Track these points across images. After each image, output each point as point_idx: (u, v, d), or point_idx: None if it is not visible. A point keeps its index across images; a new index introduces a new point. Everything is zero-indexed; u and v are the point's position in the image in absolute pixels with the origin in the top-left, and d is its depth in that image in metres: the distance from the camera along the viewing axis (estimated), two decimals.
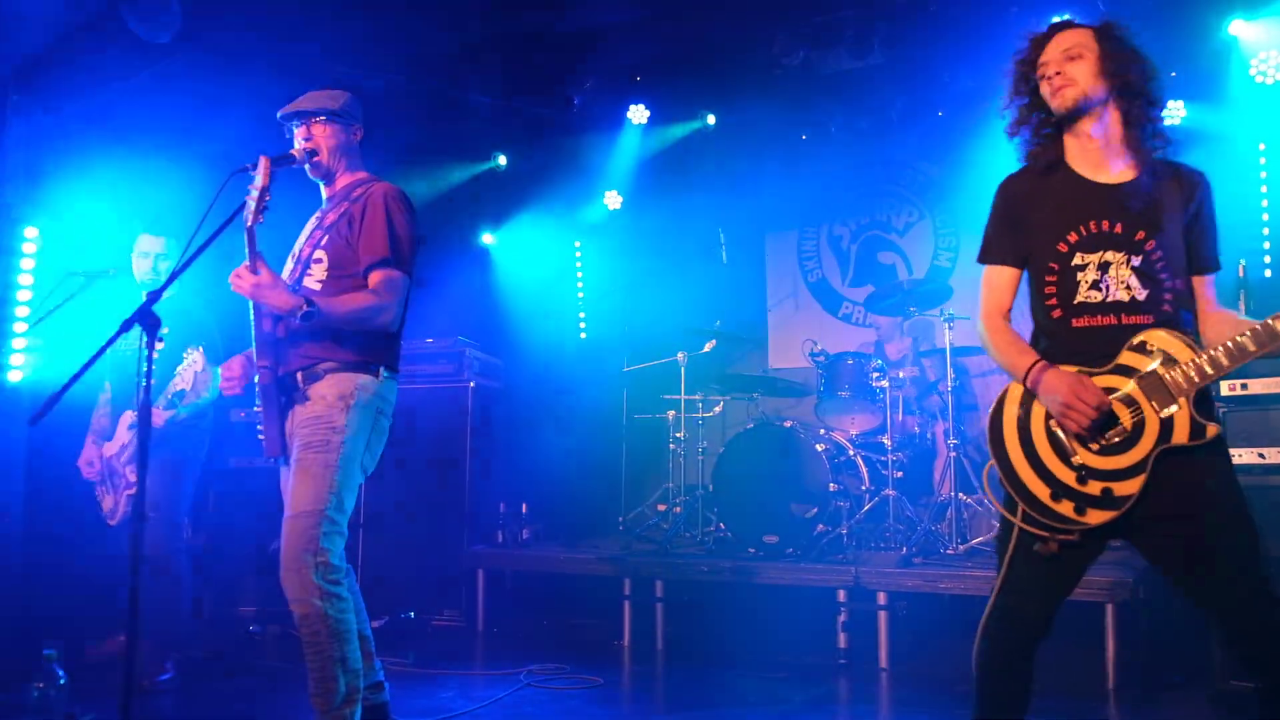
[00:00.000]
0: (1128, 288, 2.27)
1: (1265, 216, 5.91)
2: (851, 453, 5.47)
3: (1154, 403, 2.19)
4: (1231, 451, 4.03)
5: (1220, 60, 5.77)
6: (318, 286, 3.14)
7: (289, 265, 3.26)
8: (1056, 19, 2.44)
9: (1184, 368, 2.17)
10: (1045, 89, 2.36)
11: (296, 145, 3.23)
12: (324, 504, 2.96)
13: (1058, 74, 2.33)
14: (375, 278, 3.08)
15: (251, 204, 2.89)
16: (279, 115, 3.28)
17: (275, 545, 3.01)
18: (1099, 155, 2.36)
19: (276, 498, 3.24)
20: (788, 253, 7.68)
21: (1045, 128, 2.41)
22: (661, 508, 6.27)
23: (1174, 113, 5.89)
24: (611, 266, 7.88)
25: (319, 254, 3.16)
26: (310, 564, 2.93)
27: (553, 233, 7.94)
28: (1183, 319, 2.28)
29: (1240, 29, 5.58)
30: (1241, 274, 4.84)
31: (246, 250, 2.88)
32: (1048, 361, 2.31)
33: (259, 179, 2.90)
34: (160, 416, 4.19)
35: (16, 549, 5.24)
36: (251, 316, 3.08)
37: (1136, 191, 2.32)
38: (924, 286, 5.72)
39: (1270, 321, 2.10)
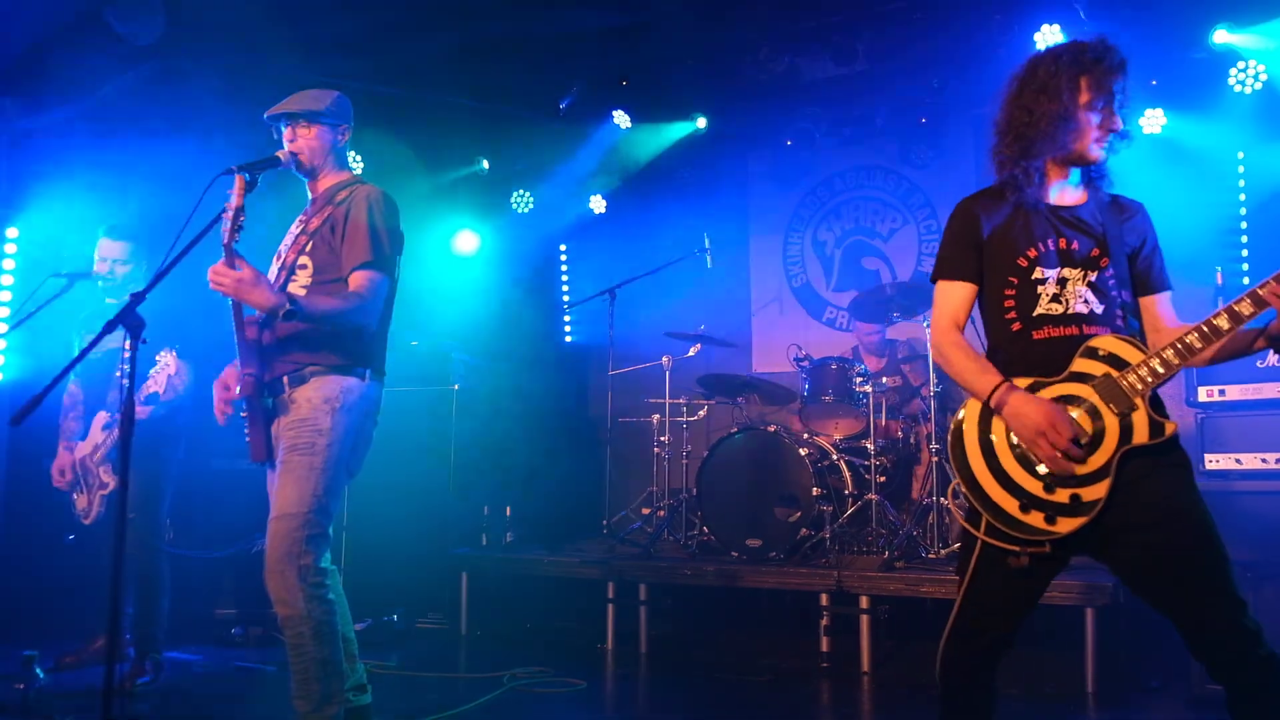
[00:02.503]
0: (1085, 302, 2.34)
1: (1244, 225, 5.98)
2: (835, 457, 5.50)
3: (1111, 406, 2.23)
4: (1208, 456, 4.12)
5: (1201, 69, 5.84)
6: (302, 292, 3.14)
7: (274, 268, 3.26)
8: (1103, 45, 2.35)
9: (1136, 370, 2.23)
10: (1091, 131, 2.33)
11: (282, 151, 3.23)
12: (308, 507, 2.97)
13: (1115, 132, 2.34)
14: (356, 278, 3.09)
15: (228, 222, 2.89)
16: (266, 116, 3.28)
17: (259, 547, 3.01)
18: (1062, 184, 2.44)
19: (260, 499, 3.25)
20: (772, 257, 7.71)
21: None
22: (645, 511, 6.28)
23: (1154, 120, 5.95)
24: (596, 270, 7.89)
25: (304, 259, 3.17)
26: (295, 566, 2.93)
27: (538, 236, 7.95)
28: (1131, 327, 2.36)
29: (1224, 38, 5.64)
30: (1220, 281, 4.91)
31: (224, 257, 2.88)
32: (1006, 376, 2.33)
33: (233, 198, 2.90)
34: (139, 412, 4.18)
35: None
36: (234, 324, 3.06)
37: (1091, 214, 2.41)
38: (908, 292, 5.75)
39: (1212, 320, 2.19)
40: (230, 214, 2.88)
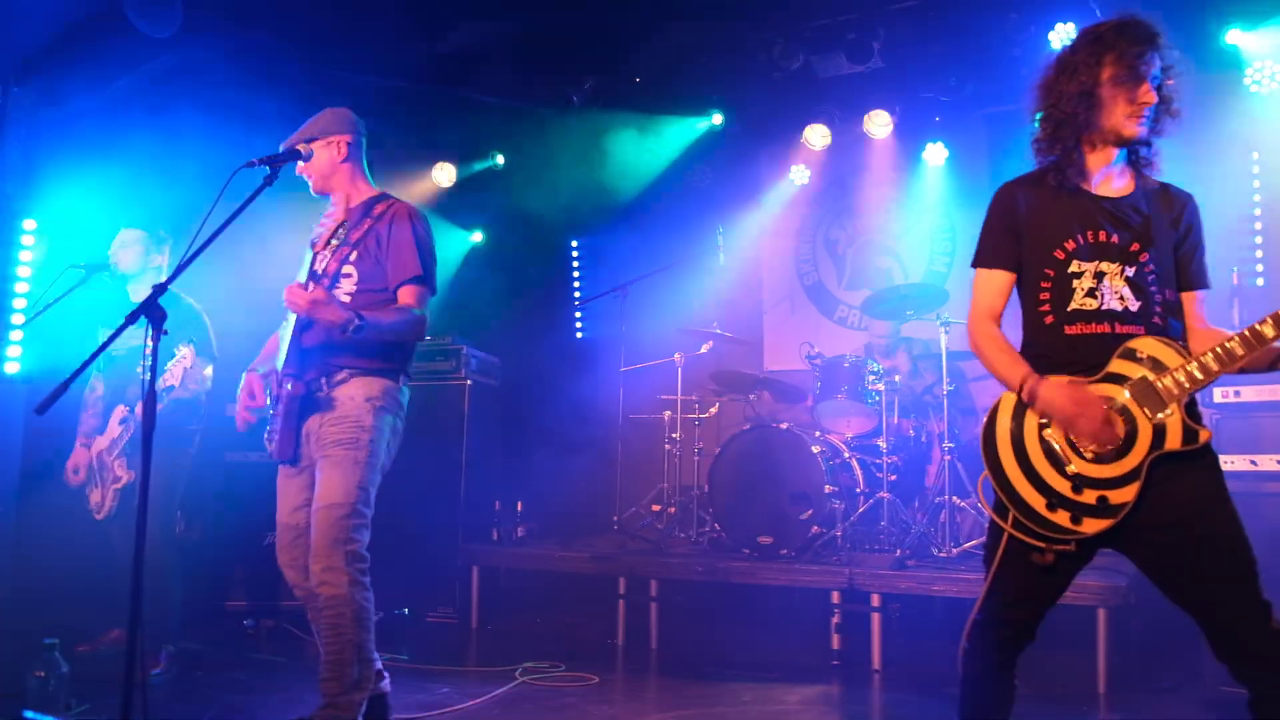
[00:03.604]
0: (1121, 298, 2.30)
1: (1259, 225, 5.96)
2: (846, 455, 5.50)
3: (1146, 409, 2.21)
4: (1223, 458, 4.09)
5: (1216, 69, 5.82)
6: (346, 299, 3.25)
7: (305, 271, 3.34)
8: (1130, 19, 2.32)
9: (1174, 374, 2.19)
10: (1120, 109, 2.30)
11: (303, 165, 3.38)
12: (354, 497, 3.12)
13: (1148, 105, 2.29)
14: (408, 293, 3.26)
15: (323, 232, 3.19)
16: (281, 149, 3.35)
17: (271, 539, 3.07)
18: (1106, 170, 2.39)
19: (271, 492, 3.30)
20: (784, 255, 7.70)
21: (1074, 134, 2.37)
22: (656, 508, 6.28)
23: None
24: (609, 266, 7.90)
25: (348, 269, 3.28)
26: (341, 552, 3.06)
27: (550, 232, 7.96)
28: (1171, 328, 2.32)
29: (1238, 38, 5.62)
30: (1235, 282, 4.89)
31: (305, 270, 3.14)
32: (1039, 372, 2.31)
33: (337, 212, 3.24)
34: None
35: (10, 539, 5.24)
36: (289, 328, 3.21)
37: (1134, 206, 2.36)
38: (920, 291, 5.74)
39: (1257, 326, 2.13)
40: (332, 225, 3.21)
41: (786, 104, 6.82)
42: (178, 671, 4.42)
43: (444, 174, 7.54)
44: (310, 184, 3.40)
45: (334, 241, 3.35)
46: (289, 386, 3.16)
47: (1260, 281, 5.89)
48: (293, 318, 3.21)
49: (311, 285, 3.05)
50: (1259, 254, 5.94)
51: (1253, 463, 3.88)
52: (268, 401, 3.27)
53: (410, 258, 3.26)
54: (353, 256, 3.28)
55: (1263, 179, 5.97)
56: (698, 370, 6.36)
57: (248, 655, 4.89)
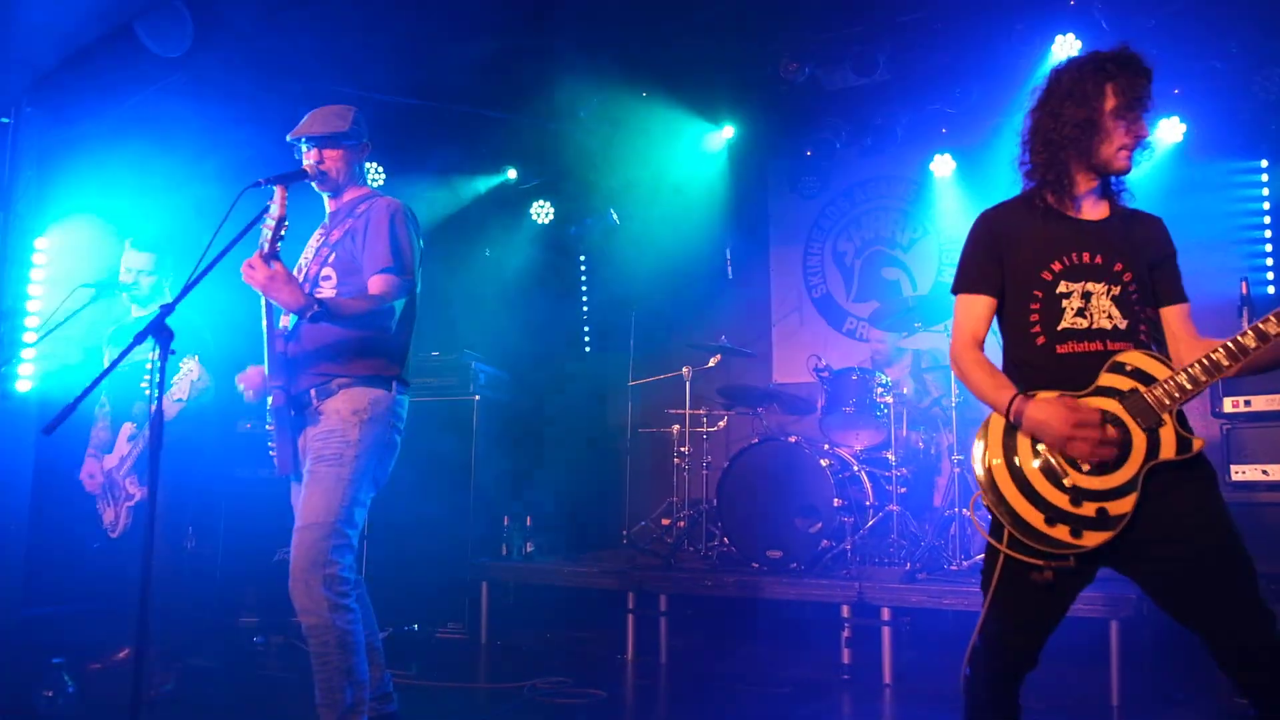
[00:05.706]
0: (1109, 316, 2.32)
1: (1268, 234, 5.94)
2: (855, 468, 5.48)
3: (1139, 421, 2.21)
4: (1234, 468, 4.09)
5: (1223, 77, 5.80)
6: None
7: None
8: (1128, 53, 2.35)
9: (1164, 385, 2.21)
10: (1117, 140, 2.33)
11: (307, 164, 3.24)
12: (335, 516, 2.99)
13: (1140, 141, 2.33)
14: (377, 282, 3.10)
15: (268, 233, 2.90)
16: (288, 138, 3.31)
17: (281, 555, 3.03)
18: (1087, 195, 2.43)
19: (282, 509, 3.28)
20: (792, 268, 7.71)
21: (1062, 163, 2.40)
22: (665, 522, 6.27)
23: (1177, 129, 5.92)
24: (617, 281, 7.91)
25: (327, 271, 3.20)
26: (319, 576, 2.94)
27: (558, 247, 7.98)
28: (1154, 342, 2.36)
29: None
30: (1245, 291, 4.87)
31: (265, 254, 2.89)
32: (1029, 390, 2.32)
33: (275, 208, 2.91)
34: (168, 409, 4.20)
35: (21, 558, 5.26)
36: (265, 338, 3.10)
37: (1114, 229, 2.40)
38: (928, 302, 5.74)
39: (1239, 338, 2.15)
40: (273, 223, 2.89)
41: (794, 116, 6.84)
42: (188, 688, 4.42)
43: (453, 191, 7.58)
44: (325, 177, 3.25)
45: (318, 244, 3.27)
46: (272, 399, 3.08)
47: (1270, 289, 5.87)
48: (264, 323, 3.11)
49: (277, 264, 2.86)
50: (1269, 262, 5.93)
51: (1264, 472, 3.85)
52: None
53: (383, 249, 3.11)
54: (331, 258, 3.19)
55: (1271, 187, 5.96)
56: (706, 383, 6.36)
57: (258, 672, 4.90)
